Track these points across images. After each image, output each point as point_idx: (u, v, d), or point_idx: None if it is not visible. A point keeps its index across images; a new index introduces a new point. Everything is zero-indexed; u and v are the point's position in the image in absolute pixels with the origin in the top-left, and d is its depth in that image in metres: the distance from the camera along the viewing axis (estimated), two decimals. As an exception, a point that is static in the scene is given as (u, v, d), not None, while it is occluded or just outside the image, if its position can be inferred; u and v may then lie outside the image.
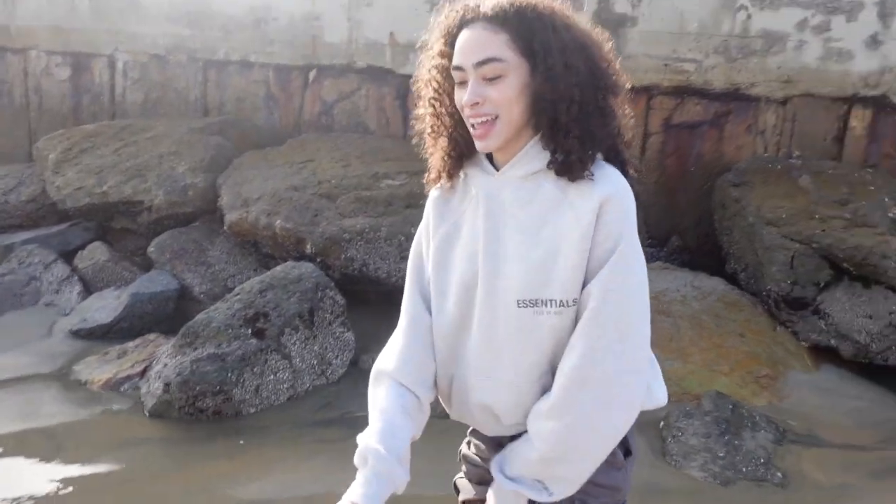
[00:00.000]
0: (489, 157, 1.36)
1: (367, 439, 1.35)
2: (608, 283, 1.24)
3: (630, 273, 1.26)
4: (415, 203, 4.53)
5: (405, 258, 4.88)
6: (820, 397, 3.72)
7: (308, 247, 4.40)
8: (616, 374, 1.26)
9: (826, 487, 2.96)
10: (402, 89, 5.93)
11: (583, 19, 1.31)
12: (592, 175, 1.27)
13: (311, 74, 6.21)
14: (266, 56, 6.28)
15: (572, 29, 1.26)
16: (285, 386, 3.56)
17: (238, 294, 3.73)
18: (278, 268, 3.93)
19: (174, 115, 6.52)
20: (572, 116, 1.24)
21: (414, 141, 1.49)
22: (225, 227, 4.86)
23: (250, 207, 4.73)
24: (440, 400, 1.52)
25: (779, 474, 3.02)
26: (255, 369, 3.45)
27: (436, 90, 1.35)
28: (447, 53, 1.30)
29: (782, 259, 4.24)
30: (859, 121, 4.91)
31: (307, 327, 3.69)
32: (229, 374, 3.35)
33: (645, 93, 5.27)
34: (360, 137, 5.85)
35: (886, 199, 4.39)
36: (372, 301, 4.65)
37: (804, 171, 4.77)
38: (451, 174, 1.40)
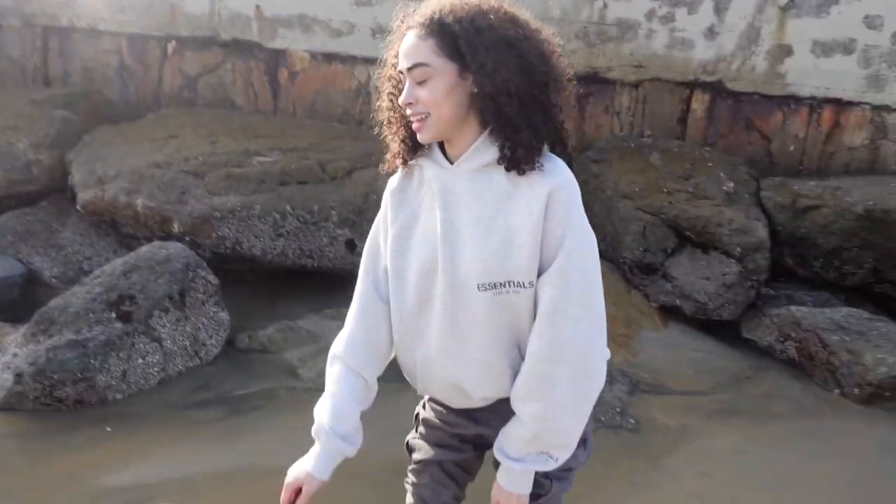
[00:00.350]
0: (443, 151, 1.46)
1: (319, 418, 1.59)
2: (564, 268, 1.36)
3: (583, 255, 1.40)
4: (289, 180, 4.47)
5: (281, 235, 4.80)
6: (666, 351, 4.15)
7: (175, 226, 4.21)
8: (585, 347, 1.39)
9: (671, 429, 3.33)
10: (272, 64, 5.77)
11: (520, 17, 1.38)
12: (542, 166, 1.37)
13: (171, 46, 5.86)
14: (118, 24, 5.85)
15: (498, 28, 1.33)
16: (156, 370, 3.41)
17: (99, 277, 3.50)
18: (144, 248, 3.73)
19: (9, 85, 5.91)
20: (514, 110, 1.33)
21: (376, 131, 1.60)
22: (78, 207, 4.52)
23: (106, 185, 4.43)
24: (406, 376, 1.64)
25: (632, 420, 3.36)
26: (121, 354, 3.27)
27: (394, 86, 1.48)
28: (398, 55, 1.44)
29: (636, 229, 4.64)
30: (699, 104, 5.45)
31: (178, 308, 3.54)
32: (91, 361, 3.16)
33: (512, 73, 5.50)
34: (227, 113, 5.63)
35: (722, 175, 4.92)
36: (248, 280, 4.54)
37: (654, 149, 5.23)
38: (406, 160, 1.51)
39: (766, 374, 3.97)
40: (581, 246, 1.40)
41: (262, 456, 2.88)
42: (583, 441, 1.51)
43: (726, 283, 4.38)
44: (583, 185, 5.44)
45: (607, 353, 1.48)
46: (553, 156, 1.42)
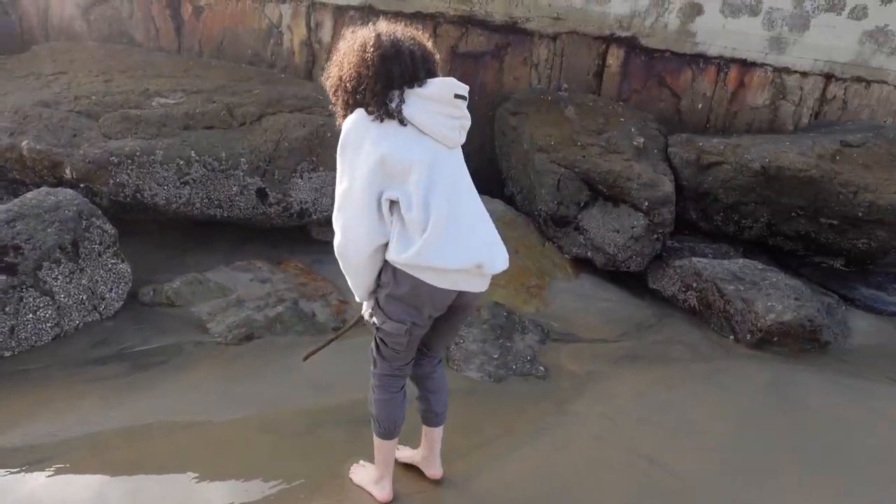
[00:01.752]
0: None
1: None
2: None
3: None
4: (194, 125, 4.21)
5: (186, 184, 4.56)
6: (577, 301, 4.29)
7: (67, 171, 3.90)
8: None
9: (578, 375, 3.46)
10: (174, -3, 5.36)
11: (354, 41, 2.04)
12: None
13: (59, -29, 5.33)
14: (-4, -57, 5.24)
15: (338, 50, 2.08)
16: (49, 325, 3.20)
17: (-22, 225, 3.21)
18: (29, 194, 3.44)
19: None
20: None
21: (328, 91, 2.12)
22: (-46, 149, 4.10)
23: (-13, 125, 4.03)
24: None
25: (542, 368, 3.47)
26: (7, 309, 3.04)
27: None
28: None
29: (550, 182, 4.71)
30: (614, 59, 5.52)
31: (71, 260, 3.31)
32: (-27, 316, 2.92)
33: (431, 20, 5.37)
34: (123, 49, 5.21)
35: (633, 130, 5.05)
36: (153, 231, 4.30)
37: (570, 103, 5.28)
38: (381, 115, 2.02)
39: (669, 322, 4.18)
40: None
41: (167, 411, 2.78)
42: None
43: (634, 236, 4.55)
44: (500, 136, 5.41)
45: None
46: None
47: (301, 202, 4.23)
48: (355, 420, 2.76)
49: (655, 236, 4.60)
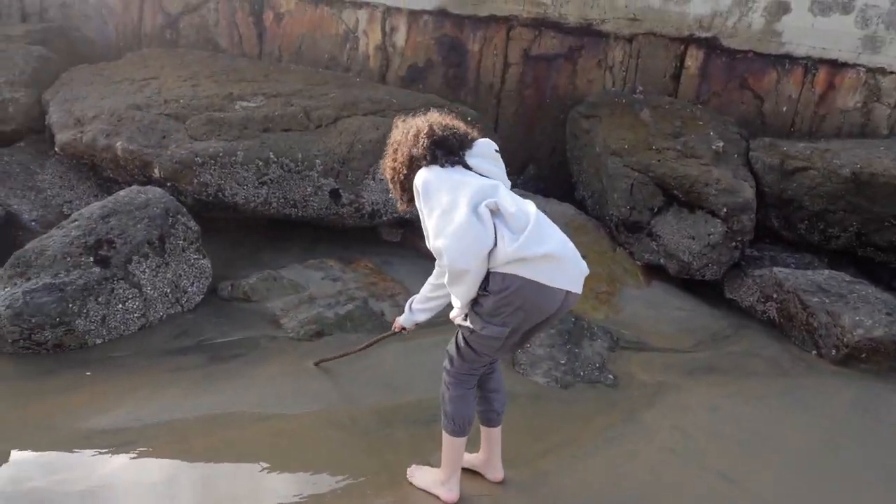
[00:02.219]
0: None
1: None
2: None
3: None
4: (273, 127, 4.37)
5: (264, 184, 4.71)
6: (649, 309, 4.18)
7: (156, 171, 4.12)
8: None
9: (649, 385, 3.37)
10: (257, 5, 5.57)
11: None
12: None
13: (152, -18, 5.64)
14: (96, -42, 5.60)
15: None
16: (136, 315, 3.39)
17: (76, 220, 3.44)
18: (122, 192, 3.65)
19: (-16, 20, 5.67)
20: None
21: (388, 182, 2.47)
22: (56, 149, 4.40)
23: (85, 127, 4.31)
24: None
25: (611, 376, 3.40)
26: (99, 299, 3.24)
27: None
28: None
29: (623, 186, 4.62)
30: (693, 60, 5.35)
31: (158, 254, 3.50)
32: (70, 305, 3.13)
33: (505, 23, 5.36)
34: (210, 55, 5.46)
35: (711, 133, 4.88)
36: (231, 229, 4.49)
37: (645, 105, 5.16)
38: None
39: (746, 334, 4.02)
40: None
41: (241, 403, 2.89)
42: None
43: (711, 243, 4.39)
44: (572, 139, 5.36)
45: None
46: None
47: (373, 203, 4.31)
48: (423, 421, 2.79)
49: (734, 244, 4.42)
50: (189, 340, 3.40)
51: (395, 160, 2.33)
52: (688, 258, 4.42)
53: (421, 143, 2.25)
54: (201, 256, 3.73)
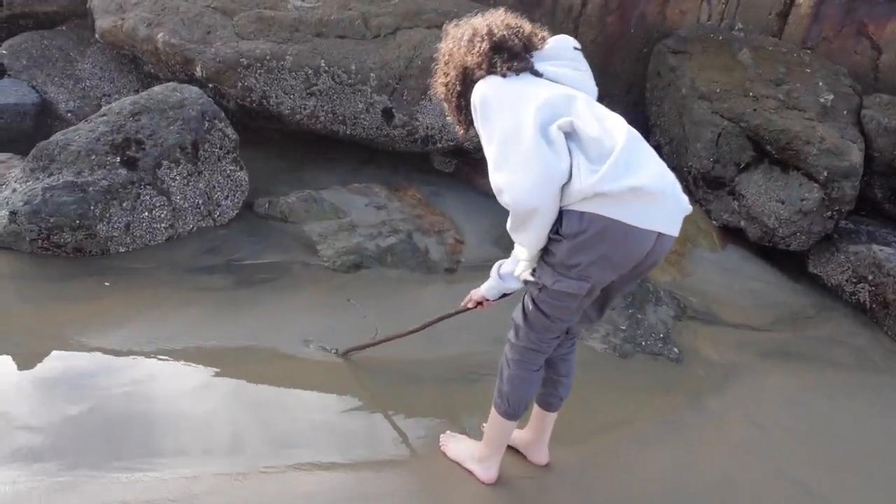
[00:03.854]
0: None
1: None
2: None
3: None
4: (326, 32, 3.94)
5: (312, 94, 4.28)
6: (721, 276, 3.74)
7: (198, 69, 3.78)
8: None
9: (716, 364, 2.99)
10: None
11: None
12: None
13: None
14: None
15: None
16: (163, 225, 3.14)
17: (105, 115, 3.15)
18: (157, 88, 3.34)
19: None
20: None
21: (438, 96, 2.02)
22: (97, 35, 4.09)
23: (127, 14, 3.97)
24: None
25: (675, 349, 3.02)
26: (124, 204, 2.98)
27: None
28: None
29: (708, 135, 4.09)
30: (807, -3, 4.66)
31: (190, 161, 3.20)
32: (91, 208, 2.88)
33: (594, -64, 4.72)
34: (267, -53, 4.99)
35: (820, 84, 4.25)
36: (274, 139, 4.17)
37: (744, 45, 4.53)
38: None
39: (831, 317, 3.56)
40: None
41: (262, 337, 2.63)
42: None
43: (803, 210, 3.87)
44: (655, 77, 4.69)
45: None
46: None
47: (427, 127, 3.90)
48: (463, 379, 2.49)
49: (829, 213, 3.89)
50: (218, 258, 3.14)
51: (446, 74, 1.89)
52: (773, 224, 3.92)
53: (477, 49, 1.80)
54: (238, 168, 3.43)
